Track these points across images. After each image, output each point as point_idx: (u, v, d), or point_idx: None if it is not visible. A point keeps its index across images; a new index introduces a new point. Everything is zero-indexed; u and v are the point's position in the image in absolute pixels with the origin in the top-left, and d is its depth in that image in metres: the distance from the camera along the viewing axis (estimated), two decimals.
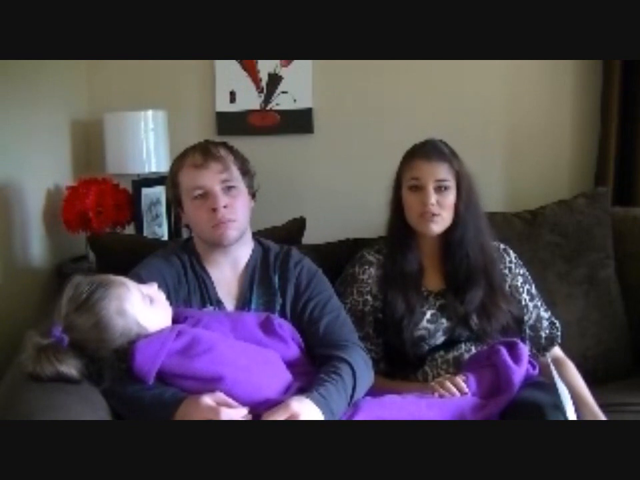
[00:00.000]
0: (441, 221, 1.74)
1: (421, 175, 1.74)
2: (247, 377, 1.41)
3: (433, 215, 1.72)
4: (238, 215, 1.63)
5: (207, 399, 1.35)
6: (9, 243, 2.24)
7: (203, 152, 1.63)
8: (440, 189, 1.73)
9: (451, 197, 1.74)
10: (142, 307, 1.43)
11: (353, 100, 2.55)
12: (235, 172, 1.65)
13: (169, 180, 1.71)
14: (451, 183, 1.74)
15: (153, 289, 1.49)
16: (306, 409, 1.35)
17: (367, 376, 1.56)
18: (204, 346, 1.41)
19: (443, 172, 1.73)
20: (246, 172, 1.68)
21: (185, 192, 1.65)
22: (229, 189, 1.63)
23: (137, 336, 1.41)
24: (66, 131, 2.54)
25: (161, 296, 1.50)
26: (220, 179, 1.62)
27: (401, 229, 1.80)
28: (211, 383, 1.38)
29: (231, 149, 1.68)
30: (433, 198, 1.72)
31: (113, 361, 1.39)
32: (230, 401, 1.37)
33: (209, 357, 1.40)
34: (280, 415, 1.33)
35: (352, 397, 1.48)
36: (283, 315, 1.65)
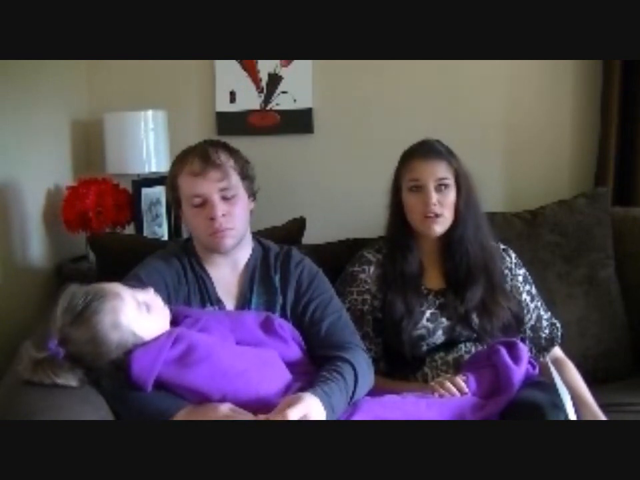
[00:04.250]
0: (443, 221, 1.74)
1: (420, 176, 1.73)
2: (245, 381, 1.41)
3: (436, 215, 1.72)
4: (236, 223, 1.62)
5: (224, 409, 1.35)
6: (9, 243, 2.24)
7: (202, 158, 1.60)
8: (440, 187, 1.73)
9: (451, 196, 1.74)
10: (137, 317, 1.42)
11: (352, 100, 2.55)
12: (234, 178, 1.63)
13: (168, 182, 1.70)
14: (451, 181, 1.74)
15: (149, 296, 1.47)
16: (316, 407, 1.36)
17: (367, 378, 1.56)
18: (201, 353, 1.40)
19: (442, 170, 1.73)
20: (246, 176, 1.66)
21: (184, 198, 1.64)
22: (227, 197, 1.61)
23: (134, 346, 1.40)
24: (66, 130, 2.54)
25: (157, 301, 1.49)
26: (218, 187, 1.60)
27: (401, 230, 1.80)
28: (209, 395, 1.39)
29: (231, 152, 1.66)
30: (434, 197, 1.72)
31: (110, 371, 1.39)
32: (240, 410, 1.37)
33: (205, 365, 1.40)
34: (299, 410, 1.32)
35: (352, 397, 1.48)
36: (283, 314, 1.65)
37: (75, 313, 1.38)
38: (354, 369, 1.50)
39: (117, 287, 1.45)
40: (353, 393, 1.48)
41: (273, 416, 1.32)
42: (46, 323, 1.42)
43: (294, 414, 1.31)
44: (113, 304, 1.40)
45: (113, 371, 1.39)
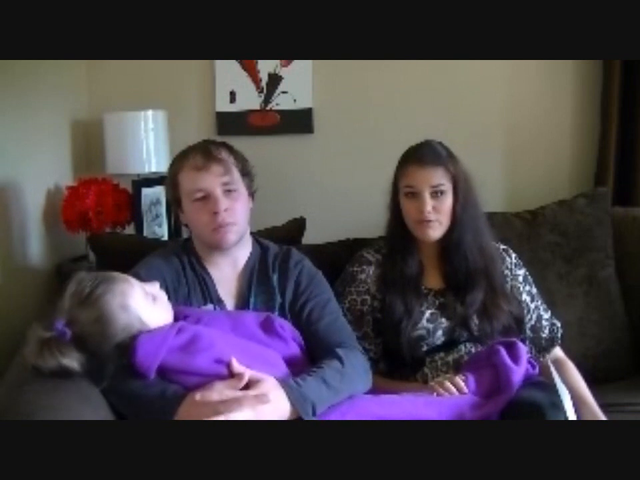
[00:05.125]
0: (439, 227, 1.74)
1: (416, 183, 1.72)
2: None
3: (430, 221, 1.72)
4: (238, 218, 1.63)
5: (198, 396, 1.35)
6: (9, 243, 2.24)
7: (204, 154, 1.62)
8: (436, 194, 1.71)
9: (447, 202, 1.73)
10: (145, 304, 1.44)
11: (353, 100, 2.55)
12: (236, 174, 1.64)
13: (168, 180, 1.71)
14: (447, 187, 1.72)
15: (155, 288, 1.49)
16: (274, 388, 1.36)
17: (362, 376, 1.55)
18: (205, 342, 1.41)
19: (438, 177, 1.71)
20: (246, 173, 1.68)
21: (185, 194, 1.64)
22: (229, 191, 1.62)
23: (139, 332, 1.41)
24: (66, 130, 2.54)
25: (162, 295, 1.50)
26: (221, 181, 1.61)
27: (400, 232, 1.80)
28: (212, 380, 1.38)
29: (231, 150, 1.68)
30: (429, 205, 1.71)
31: (114, 356, 1.39)
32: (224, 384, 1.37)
33: (209, 353, 1.40)
34: (251, 374, 1.37)
35: (338, 386, 1.44)
36: (282, 314, 1.65)
37: (84, 295, 1.39)
38: (341, 361, 1.49)
39: (125, 275, 1.48)
40: (341, 383, 1.45)
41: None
42: (52, 313, 1.42)
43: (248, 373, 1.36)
44: (122, 287, 1.42)
45: (116, 357, 1.39)
